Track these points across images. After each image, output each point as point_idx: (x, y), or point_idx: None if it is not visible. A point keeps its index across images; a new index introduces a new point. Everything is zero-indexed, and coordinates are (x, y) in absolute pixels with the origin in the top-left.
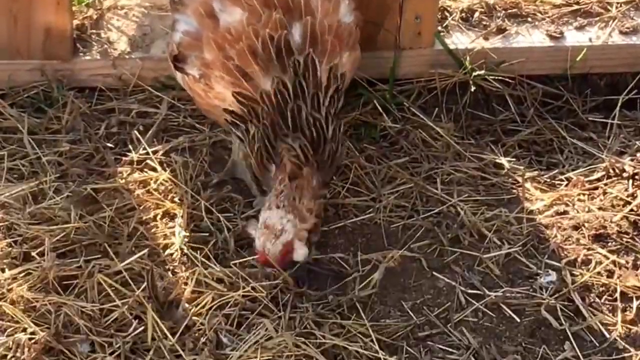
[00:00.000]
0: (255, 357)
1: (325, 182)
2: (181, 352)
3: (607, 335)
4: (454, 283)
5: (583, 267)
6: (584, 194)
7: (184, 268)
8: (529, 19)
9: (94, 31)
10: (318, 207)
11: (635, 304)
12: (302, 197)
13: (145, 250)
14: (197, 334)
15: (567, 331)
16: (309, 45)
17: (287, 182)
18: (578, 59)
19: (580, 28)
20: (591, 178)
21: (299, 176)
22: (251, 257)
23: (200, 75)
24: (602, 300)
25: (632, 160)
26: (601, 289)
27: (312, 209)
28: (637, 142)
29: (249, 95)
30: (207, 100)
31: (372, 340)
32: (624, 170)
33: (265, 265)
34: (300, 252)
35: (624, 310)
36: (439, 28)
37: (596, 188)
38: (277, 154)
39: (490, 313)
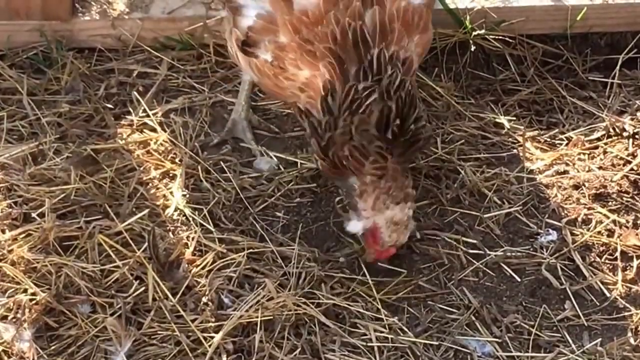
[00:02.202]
0: (256, 317)
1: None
2: (182, 312)
3: (608, 294)
4: (454, 243)
5: (583, 227)
6: (584, 153)
7: (184, 228)
8: None
9: None
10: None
11: (635, 263)
12: (404, 180)
13: (146, 211)
14: (198, 295)
15: (568, 290)
16: (380, 38)
17: (384, 177)
18: (578, 18)
19: None
20: (591, 137)
21: (386, 169)
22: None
23: (273, 58)
24: (603, 260)
25: (632, 119)
26: (601, 248)
27: (410, 184)
28: (637, 101)
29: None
30: (275, 82)
31: (374, 300)
32: (624, 130)
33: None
34: (412, 226)
35: (624, 269)
36: None
37: (596, 147)
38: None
39: (491, 272)
